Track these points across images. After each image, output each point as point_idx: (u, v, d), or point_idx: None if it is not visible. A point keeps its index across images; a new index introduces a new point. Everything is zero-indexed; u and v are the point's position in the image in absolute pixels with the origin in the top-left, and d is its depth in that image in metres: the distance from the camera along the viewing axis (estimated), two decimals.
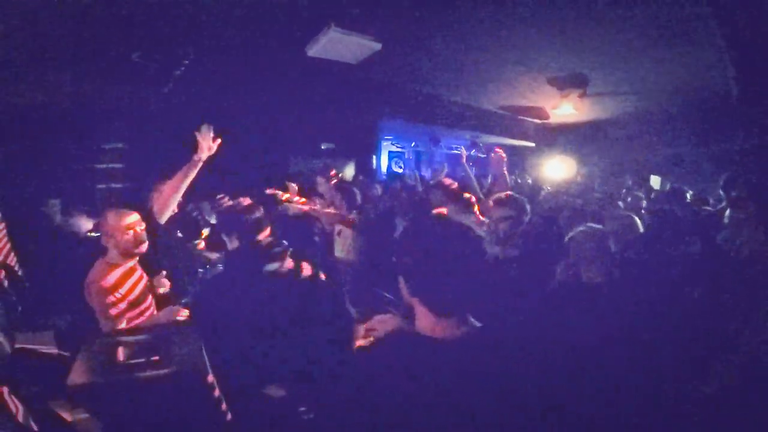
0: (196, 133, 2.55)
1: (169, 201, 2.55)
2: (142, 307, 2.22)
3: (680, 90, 5.02)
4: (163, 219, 2.59)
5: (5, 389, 1.50)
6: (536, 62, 4.34)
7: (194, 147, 2.54)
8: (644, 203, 4.99)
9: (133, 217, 2.20)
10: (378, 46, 3.83)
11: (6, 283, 2.61)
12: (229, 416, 1.80)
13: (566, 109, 5.40)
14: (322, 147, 8.29)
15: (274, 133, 6.81)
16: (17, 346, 1.87)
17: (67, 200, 4.05)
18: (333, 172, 4.52)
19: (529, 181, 8.23)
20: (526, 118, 7.34)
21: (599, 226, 2.32)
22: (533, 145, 9.25)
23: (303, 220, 4.21)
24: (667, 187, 6.85)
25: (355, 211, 3.96)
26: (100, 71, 3.74)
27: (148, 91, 4.30)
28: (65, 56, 3.42)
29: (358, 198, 4.17)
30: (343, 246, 4.05)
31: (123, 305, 2.07)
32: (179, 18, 3.17)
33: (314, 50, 3.86)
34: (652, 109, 6.15)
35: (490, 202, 2.92)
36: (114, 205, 2.33)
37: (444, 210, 2.76)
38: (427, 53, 4.25)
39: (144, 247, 2.22)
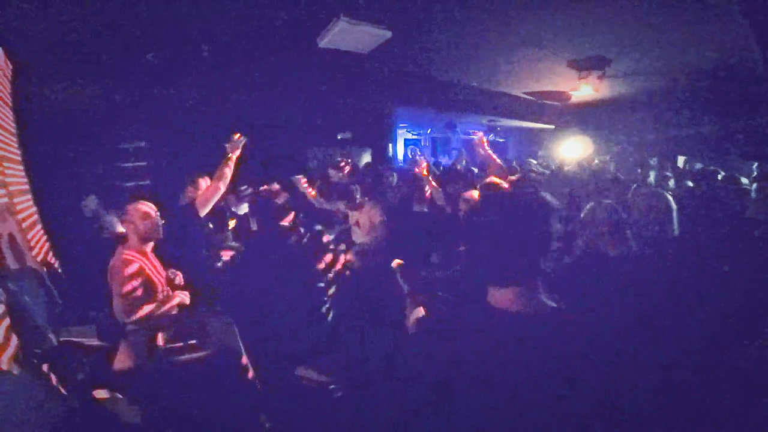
0: (230, 143, 2.93)
1: (211, 198, 2.90)
2: (159, 296, 2.35)
3: (703, 68, 4.80)
4: (203, 213, 2.89)
5: (54, 378, 1.62)
6: (554, 45, 4.21)
7: (226, 149, 2.93)
8: (672, 182, 4.83)
9: (151, 207, 2.43)
10: (388, 34, 3.81)
11: (48, 280, 2.78)
12: (261, 396, 1.91)
13: (586, 91, 5.24)
14: (339, 137, 8.33)
15: (290, 125, 6.88)
16: (62, 339, 2.02)
17: (99, 199, 4.25)
18: (343, 162, 4.56)
19: (552, 164, 8.07)
20: (544, 101, 7.16)
21: (609, 200, 2.30)
22: (553, 127, 9.03)
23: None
24: (696, 166, 6.62)
25: (366, 198, 3.99)
26: (117, 73, 3.87)
27: (164, 90, 4.42)
28: (89, 61, 3.56)
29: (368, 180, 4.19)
30: (361, 235, 4.10)
31: (139, 293, 2.21)
32: (191, 17, 3.24)
33: (325, 41, 3.87)
34: (674, 87, 5.90)
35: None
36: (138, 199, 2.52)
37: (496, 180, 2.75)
38: (440, 38, 4.19)
39: (159, 232, 2.42)
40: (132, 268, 2.21)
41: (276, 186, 3.82)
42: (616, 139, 8.77)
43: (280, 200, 3.54)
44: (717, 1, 3.03)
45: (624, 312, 1.66)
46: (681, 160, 7.58)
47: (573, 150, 7.66)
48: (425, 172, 3.79)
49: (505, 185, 2.71)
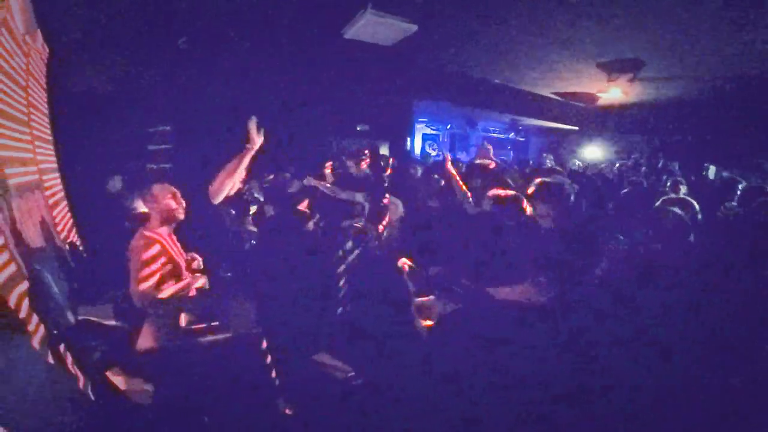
0: (249, 125, 2.67)
1: (223, 186, 2.70)
2: (180, 278, 2.35)
3: (736, 75, 4.60)
4: (217, 201, 2.74)
5: (69, 358, 1.65)
6: (584, 45, 4.09)
7: (246, 138, 2.68)
8: (683, 189, 4.63)
9: (174, 189, 2.41)
10: (414, 28, 3.76)
11: (69, 257, 2.86)
12: (279, 381, 1.93)
13: (614, 94, 5.09)
14: (357, 128, 8.31)
15: (311, 115, 6.89)
16: (80, 317, 2.06)
17: (123, 179, 4.35)
18: (366, 153, 4.50)
19: (579, 163, 7.86)
20: (569, 102, 6.98)
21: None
22: (576, 128, 8.82)
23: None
24: (723, 175, 6.38)
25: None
26: (146, 58, 3.93)
27: (191, 75, 4.48)
28: (120, 45, 3.63)
29: (387, 174, 4.13)
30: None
31: (156, 278, 2.18)
32: (221, 5, 3.26)
33: (351, 33, 3.85)
34: (704, 93, 5.68)
35: (530, 189, 2.74)
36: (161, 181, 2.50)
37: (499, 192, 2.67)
38: (465, 34, 4.12)
39: (181, 215, 2.40)
40: (152, 251, 2.20)
41: (287, 175, 3.81)
42: (640, 143, 8.52)
43: (294, 188, 3.53)
44: (755, 6, 2.89)
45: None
46: (712, 171, 7.29)
47: (595, 153, 7.51)
48: (449, 167, 3.59)
49: (504, 193, 2.62)
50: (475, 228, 2.69)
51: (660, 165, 7.32)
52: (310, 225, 2.41)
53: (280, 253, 2.49)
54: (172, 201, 2.38)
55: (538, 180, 2.61)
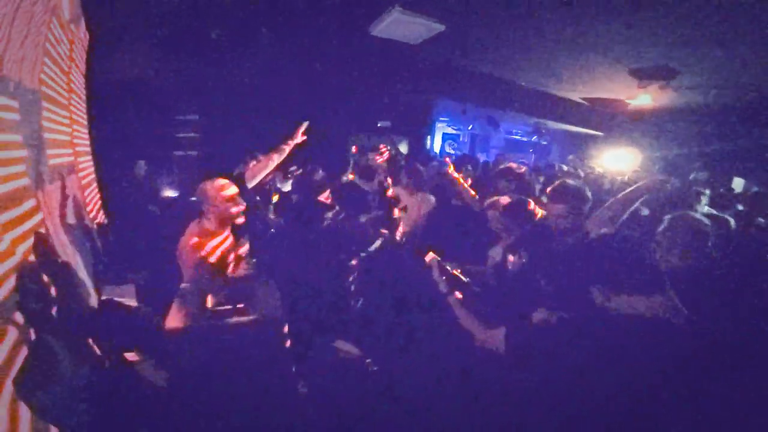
0: (300, 126, 3.25)
1: (259, 174, 3.08)
2: (224, 271, 2.24)
3: None
4: (251, 185, 3.07)
5: (90, 339, 1.72)
6: (615, 51, 3.99)
7: (287, 136, 3.18)
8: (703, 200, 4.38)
9: (234, 190, 2.23)
10: (441, 27, 3.75)
11: (96, 237, 2.98)
12: (299, 365, 1.97)
13: (643, 100, 4.95)
14: (379, 125, 8.33)
15: (334, 109, 6.94)
16: (104, 297, 2.14)
17: (150, 166, 4.50)
18: (383, 148, 4.51)
19: (599, 170, 7.67)
20: (597, 107, 6.83)
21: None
22: (602, 134, 8.61)
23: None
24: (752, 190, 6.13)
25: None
26: (179, 48, 4.04)
27: (221, 68, 4.58)
28: (157, 35, 3.75)
29: (403, 173, 4.13)
30: (404, 222, 4.02)
31: (209, 273, 2.04)
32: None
33: (378, 30, 3.87)
34: (738, 102, 5.46)
35: (545, 196, 2.71)
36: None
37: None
38: (495, 37, 4.07)
39: (242, 218, 2.26)
40: (205, 250, 2.08)
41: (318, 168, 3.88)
42: (666, 151, 8.24)
43: (317, 176, 3.60)
44: None
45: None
46: (739, 184, 6.98)
47: (620, 159, 7.30)
48: (451, 171, 3.49)
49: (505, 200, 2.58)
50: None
51: (691, 177, 7.08)
52: (329, 215, 2.44)
53: (302, 241, 2.52)
54: (234, 204, 2.19)
55: (557, 181, 2.58)
